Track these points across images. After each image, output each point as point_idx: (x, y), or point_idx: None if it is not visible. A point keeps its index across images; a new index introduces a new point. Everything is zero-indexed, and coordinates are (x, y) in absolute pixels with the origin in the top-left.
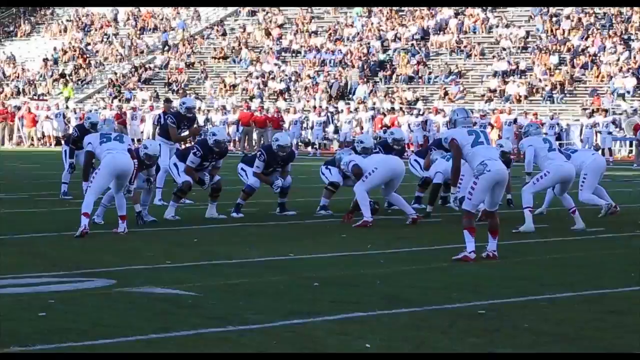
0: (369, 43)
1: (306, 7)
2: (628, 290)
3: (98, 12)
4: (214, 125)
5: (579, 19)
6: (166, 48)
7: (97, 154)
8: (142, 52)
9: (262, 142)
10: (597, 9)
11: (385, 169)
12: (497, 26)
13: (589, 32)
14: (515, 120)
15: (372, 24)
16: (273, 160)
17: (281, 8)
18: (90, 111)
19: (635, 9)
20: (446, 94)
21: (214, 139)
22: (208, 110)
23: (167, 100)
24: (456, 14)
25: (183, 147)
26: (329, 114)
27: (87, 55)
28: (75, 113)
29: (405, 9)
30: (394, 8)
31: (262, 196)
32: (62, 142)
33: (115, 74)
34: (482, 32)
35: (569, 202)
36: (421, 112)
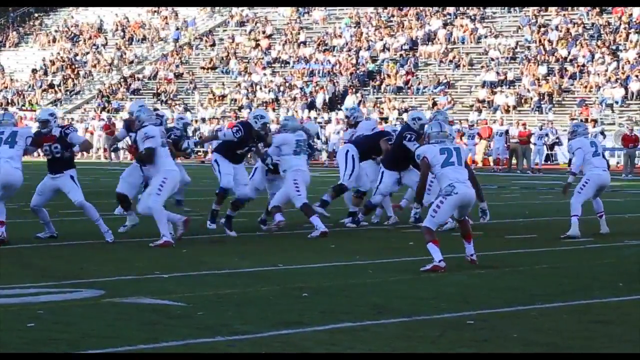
0: (357, 53)
1: (295, 18)
2: (617, 300)
3: (87, 23)
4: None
5: (568, 30)
6: (177, 45)
7: None
8: (131, 62)
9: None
10: (585, 20)
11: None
12: (486, 37)
13: (578, 43)
14: (507, 132)
15: (360, 34)
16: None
17: (269, 19)
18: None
19: (624, 19)
20: (435, 104)
21: (262, 121)
22: (196, 121)
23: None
24: (445, 25)
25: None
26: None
27: (76, 66)
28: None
29: (394, 19)
30: (383, 18)
31: (252, 207)
32: None
33: (104, 84)
34: (471, 42)
35: (599, 205)
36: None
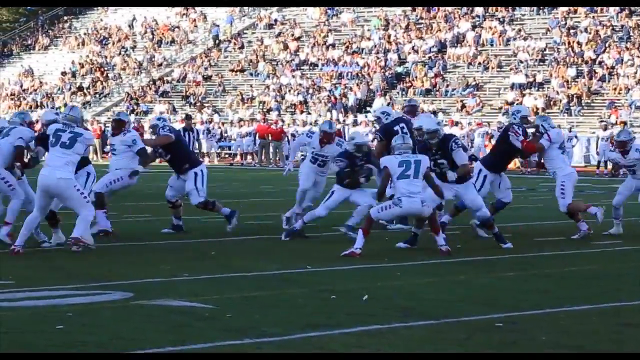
0: (386, 55)
1: (323, 21)
2: None
3: (116, 25)
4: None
5: (597, 32)
6: (217, 42)
7: None
8: (159, 65)
9: (277, 155)
10: (614, 22)
11: None
12: (515, 39)
13: (607, 45)
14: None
15: (389, 36)
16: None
17: (298, 21)
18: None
19: None
20: (463, 106)
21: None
22: (223, 123)
23: (188, 117)
24: (473, 27)
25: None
26: (344, 127)
27: (105, 69)
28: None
29: (423, 22)
30: (412, 20)
31: (279, 209)
32: None
33: (133, 87)
34: (500, 44)
35: None
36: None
